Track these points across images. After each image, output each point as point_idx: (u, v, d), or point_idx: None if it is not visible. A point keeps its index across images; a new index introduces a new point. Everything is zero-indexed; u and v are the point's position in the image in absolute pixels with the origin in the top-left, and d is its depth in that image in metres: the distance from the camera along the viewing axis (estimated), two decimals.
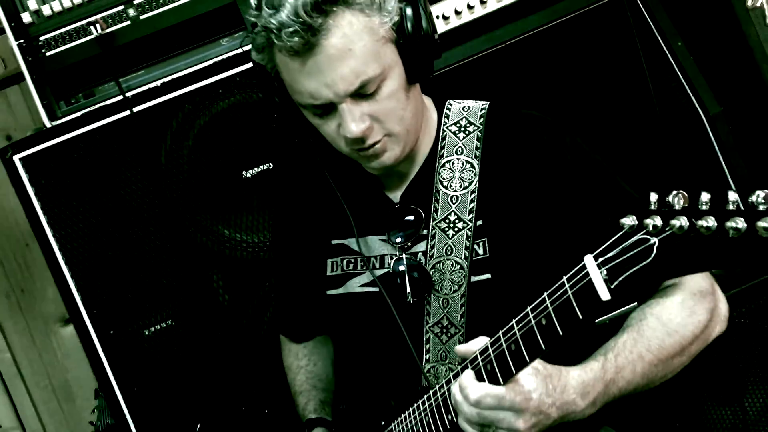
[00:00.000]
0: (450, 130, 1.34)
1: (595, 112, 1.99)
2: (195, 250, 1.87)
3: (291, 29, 1.12)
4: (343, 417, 1.46)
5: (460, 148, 1.32)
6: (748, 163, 1.95)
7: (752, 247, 0.80)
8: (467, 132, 1.33)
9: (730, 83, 1.99)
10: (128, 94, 1.84)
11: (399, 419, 1.31)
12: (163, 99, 1.85)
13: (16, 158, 1.82)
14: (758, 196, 0.79)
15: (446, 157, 1.32)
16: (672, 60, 1.99)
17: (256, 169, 1.90)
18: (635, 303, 0.97)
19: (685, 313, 1.17)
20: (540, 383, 1.05)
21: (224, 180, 1.89)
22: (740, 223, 0.79)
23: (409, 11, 1.20)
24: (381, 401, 1.36)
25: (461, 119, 1.34)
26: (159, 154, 1.85)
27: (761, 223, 0.77)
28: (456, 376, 1.13)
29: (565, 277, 0.98)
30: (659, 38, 2.00)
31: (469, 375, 1.08)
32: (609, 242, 0.92)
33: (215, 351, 1.88)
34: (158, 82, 1.88)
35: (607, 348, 1.13)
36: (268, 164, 1.90)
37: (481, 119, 1.33)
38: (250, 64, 1.84)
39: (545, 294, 1.01)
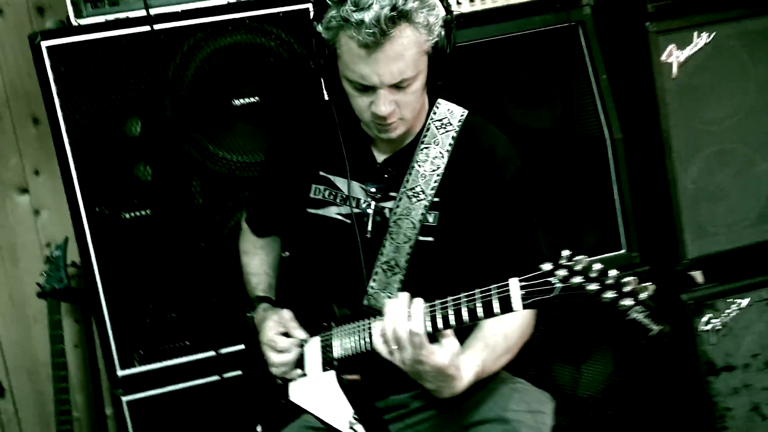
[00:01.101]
0: (434, 124, 1.73)
1: (523, 117, 2.44)
2: (181, 157, 2.20)
3: (370, 30, 1.44)
4: (298, 310, 1.83)
5: (437, 140, 1.71)
6: (632, 181, 2.46)
7: (614, 311, 1.26)
8: (446, 129, 1.72)
9: (634, 118, 2.47)
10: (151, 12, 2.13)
11: (340, 327, 1.70)
12: (180, 23, 2.15)
13: (43, 45, 2.08)
14: (628, 281, 1.24)
15: (426, 143, 1.72)
16: (595, 89, 2.46)
17: (245, 100, 2.25)
18: None
19: (518, 333, 1.65)
20: (444, 354, 1.44)
21: (217, 103, 2.22)
22: (611, 294, 1.25)
23: (443, 34, 1.57)
24: (328, 307, 1.76)
25: (444, 118, 1.73)
26: (167, 69, 2.16)
27: (623, 301, 1.23)
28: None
29: (494, 286, 1.37)
30: (590, 68, 2.46)
31: (418, 302, 1.47)
32: (533, 275, 1.32)
33: (182, 244, 2.23)
34: (179, 8, 2.17)
35: (479, 355, 1.57)
36: (256, 98, 2.25)
37: (459, 122, 1.73)
38: (260, 12, 2.19)
39: (478, 291, 1.40)
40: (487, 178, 1.68)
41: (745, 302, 2.51)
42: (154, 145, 2.20)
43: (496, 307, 1.37)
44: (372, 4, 1.46)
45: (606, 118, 2.45)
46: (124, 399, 2.24)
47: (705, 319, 2.49)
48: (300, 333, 1.74)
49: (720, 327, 2.50)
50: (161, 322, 2.26)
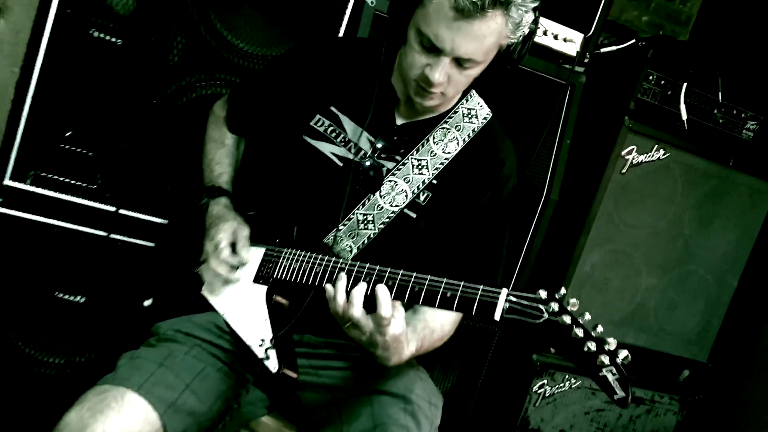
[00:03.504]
0: (463, 110, 1.74)
1: None
2: (179, 8, 2.05)
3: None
4: (249, 219, 1.74)
5: (459, 126, 1.73)
6: (545, 239, 2.63)
7: (589, 363, 1.27)
8: (471, 120, 1.74)
9: (573, 186, 2.64)
10: None
11: (291, 250, 1.62)
12: None
13: None
14: (611, 340, 1.26)
15: (449, 124, 1.73)
16: (555, 148, 2.60)
17: None
18: None
19: (450, 327, 1.68)
20: (398, 324, 1.45)
21: None
22: (592, 346, 1.26)
23: (520, 41, 1.59)
24: (287, 226, 1.68)
25: (473, 109, 1.76)
26: None
27: (602, 357, 1.25)
28: (366, 276, 1.46)
29: (482, 286, 1.35)
30: (560, 128, 2.60)
31: (384, 290, 1.43)
32: (524, 293, 1.33)
33: (135, 91, 2.08)
34: None
35: (420, 332, 1.59)
36: None
37: (484, 120, 1.76)
38: None
39: (462, 282, 1.37)
40: (487, 185, 1.73)
41: (576, 384, 2.76)
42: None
43: (474, 306, 1.35)
44: None
45: (551, 177, 2.60)
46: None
47: (541, 383, 2.71)
48: (246, 255, 1.66)
49: (549, 395, 2.74)
50: (73, 154, 2.08)
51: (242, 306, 1.65)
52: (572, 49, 2.58)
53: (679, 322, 2.88)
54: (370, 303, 1.45)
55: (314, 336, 1.72)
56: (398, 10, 1.59)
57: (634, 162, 2.64)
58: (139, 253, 2.14)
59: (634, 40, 2.71)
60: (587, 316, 1.31)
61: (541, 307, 1.31)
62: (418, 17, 1.55)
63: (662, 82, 2.64)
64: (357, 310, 1.44)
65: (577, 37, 2.58)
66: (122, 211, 2.12)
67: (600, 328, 1.29)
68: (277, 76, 1.84)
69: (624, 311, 2.80)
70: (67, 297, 2.16)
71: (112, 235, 2.12)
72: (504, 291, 1.35)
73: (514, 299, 1.34)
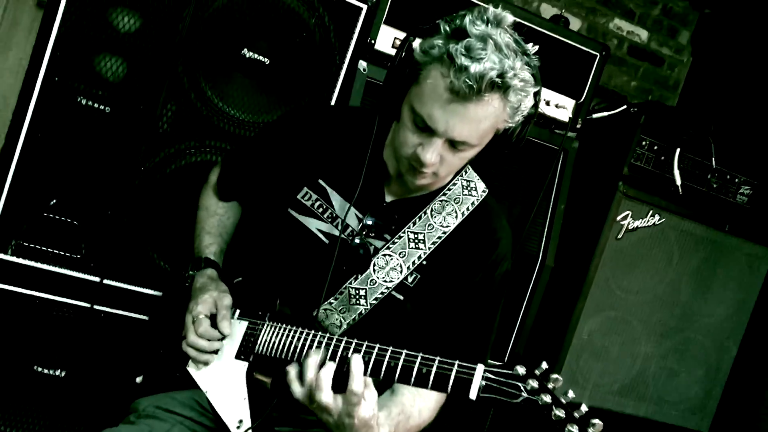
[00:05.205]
0: (462, 182, 1.69)
1: None
2: (170, 73, 2.03)
3: (469, 81, 1.37)
4: (234, 288, 1.68)
5: (459, 199, 1.67)
6: (540, 308, 2.57)
7: None
8: (470, 193, 1.68)
9: (568, 252, 2.60)
10: None
11: (272, 323, 1.57)
12: None
13: None
14: (596, 423, 1.17)
15: (447, 196, 1.67)
16: (549, 212, 2.57)
17: (256, 55, 2.12)
18: None
19: (428, 414, 1.59)
20: (368, 406, 1.38)
21: (229, 44, 2.09)
22: (575, 430, 1.17)
23: (519, 126, 1.52)
24: (270, 299, 1.61)
25: (472, 182, 1.71)
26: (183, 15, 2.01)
27: None
28: (354, 347, 1.40)
29: (458, 362, 1.29)
30: (553, 193, 2.58)
31: (359, 361, 1.37)
32: (501, 369, 1.24)
33: (122, 159, 2.04)
34: None
35: (395, 418, 1.50)
36: (267, 59, 2.14)
37: (482, 194, 1.70)
38: None
39: (437, 358, 1.31)
40: (479, 266, 1.66)
41: None
42: (144, 47, 2.01)
43: (450, 383, 1.28)
44: (484, 59, 1.37)
45: (546, 243, 2.56)
46: None
47: None
48: (225, 327, 1.59)
49: None
50: (57, 222, 2.02)
51: (223, 384, 1.57)
52: (564, 114, 2.58)
53: (679, 390, 2.81)
54: (341, 379, 1.39)
55: (306, 414, 1.64)
56: (393, 85, 1.54)
57: (630, 227, 2.61)
58: (123, 325, 2.07)
59: (625, 106, 2.71)
60: (570, 394, 1.22)
61: (519, 384, 1.23)
62: (412, 95, 1.49)
63: (655, 147, 2.63)
64: (326, 395, 1.37)
65: (569, 103, 2.58)
66: (107, 282, 2.06)
67: (584, 408, 1.21)
68: (266, 144, 1.80)
69: (623, 380, 2.73)
70: (46, 371, 2.07)
71: (96, 307, 2.05)
72: (480, 367, 1.28)
73: (491, 376, 1.26)
